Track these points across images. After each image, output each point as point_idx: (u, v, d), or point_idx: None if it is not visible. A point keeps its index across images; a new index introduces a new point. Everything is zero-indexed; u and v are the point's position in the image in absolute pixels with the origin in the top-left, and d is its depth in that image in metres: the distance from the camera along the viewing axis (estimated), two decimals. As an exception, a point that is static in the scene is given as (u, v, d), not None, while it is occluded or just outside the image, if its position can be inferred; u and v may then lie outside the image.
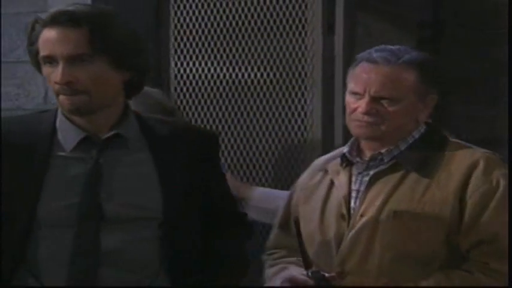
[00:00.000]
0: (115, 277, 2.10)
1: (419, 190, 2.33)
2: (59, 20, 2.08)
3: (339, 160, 2.46)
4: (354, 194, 2.40)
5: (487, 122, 4.16)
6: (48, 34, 2.09)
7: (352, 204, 2.39)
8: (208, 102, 3.93)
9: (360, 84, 2.37)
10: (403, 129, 2.40)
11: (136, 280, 2.12)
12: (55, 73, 2.08)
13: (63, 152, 2.13)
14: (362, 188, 2.40)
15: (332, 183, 2.45)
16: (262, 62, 3.81)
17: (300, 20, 3.70)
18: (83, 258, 2.09)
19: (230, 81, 3.89)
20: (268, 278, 2.49)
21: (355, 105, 2.37)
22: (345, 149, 2.45)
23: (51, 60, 2.09)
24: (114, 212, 2.10)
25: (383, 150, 2.39)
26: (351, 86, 2.40)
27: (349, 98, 2.41)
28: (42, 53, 2.10)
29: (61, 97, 2.10)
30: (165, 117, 2.29)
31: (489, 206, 2.30)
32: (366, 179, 2.40)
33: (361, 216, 2.36)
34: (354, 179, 2.42)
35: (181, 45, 3.95)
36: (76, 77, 2.08)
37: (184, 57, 3.95)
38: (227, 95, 3.90)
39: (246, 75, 3.85)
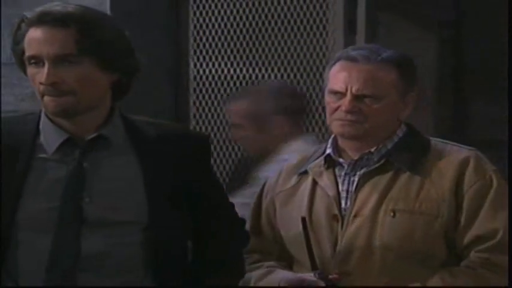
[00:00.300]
0: (97, 282, 2.06)
1: (414, 189, 2.33)
2: (46, 19, 2.03)
3: (320, 161, 2.43)
4: (343, 195, 2.38)
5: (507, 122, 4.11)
6: (34, 34, 2.03)
7: (343, 204, 2.38)
8: (228, 103, 3.90)
9: (341, 82, 2.35)
10: (385, 128, 2.39)
11: (119, 284, 2.08)
12: (40, 73, 2.03)
13: (45, 154, 2.08)
14: (351, 188, 2.38)
15: (315, 185, 2.42)
16: (282, 62, 3.79)
17: (321, 20, 3.68)
18: (62, 261, 2.04)
19: (250, 82, 3.86)
20: (253, 282, 2.44)
21: (336, 104, 2.35)
22: (327, 150, 2.42)
23: (36, 60, 2.03)
24: (97, 216, 2.05)
25: (372, 149, 2.38)
26: (331, 85, 2.38)
27: (329, 98, 2.38)
28: (28, 53, 2.04)
29: (46, 98, 2.04)
30: (153, 119, 2.23)
31: (485, 201, 2.32)
32: (354, 178, 2.38)
33: (355, 216, 2.35)
34: (340, 179, 2.40)
35: (201, 45, 3.93)
36: (62, 77, 2.02)
37: (204, 57, 3.94)
38: (247, 96, 3.87)
39: (266, 75, 3.83)
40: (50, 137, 2.10)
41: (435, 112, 4.08)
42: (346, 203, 2.37)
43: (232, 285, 2.24)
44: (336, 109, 2.35)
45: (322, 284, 2.28)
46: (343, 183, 2.39)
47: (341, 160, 2.40)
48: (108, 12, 3.63)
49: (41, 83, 2.04)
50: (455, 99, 4.14)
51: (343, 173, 2.40)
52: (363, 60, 2.35)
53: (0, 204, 2.05)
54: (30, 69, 2.06)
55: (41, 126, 2.12)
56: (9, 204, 2.05)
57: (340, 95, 2.35)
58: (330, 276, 2.31)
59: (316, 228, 2.38)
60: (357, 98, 2.33)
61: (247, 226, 2.46)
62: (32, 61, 2.05)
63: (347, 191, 2.38)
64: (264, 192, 2.54)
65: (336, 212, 2.37)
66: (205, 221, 2.21)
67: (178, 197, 2.14)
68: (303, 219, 2.34)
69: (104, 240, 2.06)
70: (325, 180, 2.40)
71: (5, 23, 3.79)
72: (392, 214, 2.32)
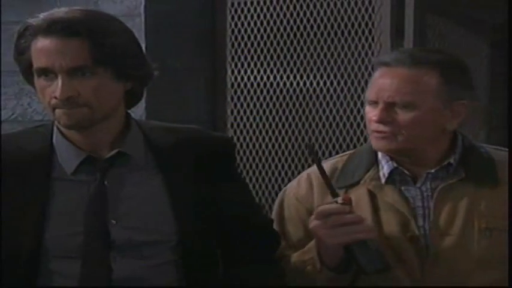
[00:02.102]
0: None
1: (502, 203, 2.22)
2: (55, 28, 1.94)
3: (373, 174, 2.30)
4: (419, 212, 2.26)
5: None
6: (43, 44, 1.94)
7: (420, 222, 2.25)
8: (267, 111, 3.80)
9: (374, 90, 2.24)
10: (431, 141, 2.26)
11: None
12: (52, 87, 1.95)
13: (64, 175, 2.02)
14: (427, 204, 2.26)
15: (373, 200, 2.28)
16: (325, 68, 3.68)
17: (366, 24, 3.56)
18: None
19: (291, 90, 3.75)
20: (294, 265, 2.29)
21: (371, 114, 2.25)
22: (388, 163, 2.29)
23: (47, 72, 1.96)
24: (125, 238, 2.00)
25: (451, 161, 2.26)
26: (367, 93, 2.28)
27: (367, 108, 2.28)
28: (37, 64, 1.96)
29: (58, 111, 1.97)
30: (171, 124, 2.17)
31: None
32: (428, 193, 2.26)
33: (442, 235, 2.23)
34: (409, 194, 2.27)
35: (239, 51, 3.83)
36: (77, 90, 1.95)
37: (242, 64, 3.83)
38: (287, 104, 3.77)
39: (307, 83, 3.72)
40: (66, 156, 2.03)
41: (486, 119, 3.97)
42: (424, 221, 2.25)
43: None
44: (371, 120, 2.24)
45: (347, 209, 2.12)
46: (415, 199, 2.26)
47: (407, 173, 2.28)
48: (143, 16, 3.58)
49: (55, 97, 1.95)
50: (509, 105, 4.00)
51: (411, 188, 2.28)
52: (398, 64, 2.22)
53: (22, 232, 1.97)
54: (40, 82, 1.97)
55: (54, 142, 2.04)
56: (33, 230, 1.98)
57: (375, 104, 2.23)
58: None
59: (392, 250, 2.24)
60: (389, 106, 2.21)
61: None
62: (42, 73, 1.96)
63: (423, 208, 2.26)
64: (284, 201, 2.40)
65: (416, 231, 2.23)
66: (232, 225, 2.16)
67: (204, 206, 2.08)
68: (310, 146, 2.27)
69: (134, 263, 2.01)
70: (392, 196, 2.27)
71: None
72: (488, 233, 2.21)
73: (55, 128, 2.06)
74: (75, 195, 2.01)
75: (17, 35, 2.00)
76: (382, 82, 2.22)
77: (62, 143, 2.04)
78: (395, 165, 2.28)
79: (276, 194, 3.77)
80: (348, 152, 2.44)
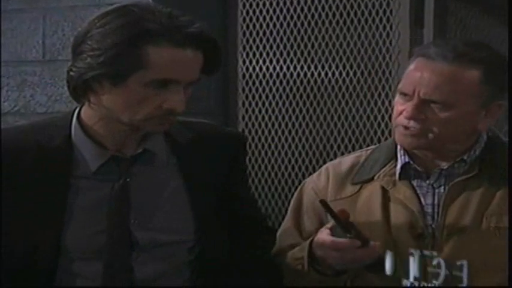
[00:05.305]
0: None
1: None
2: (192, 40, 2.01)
3: (389, 169, 2.29)
4: (428, 209, 2.24)
5: None
6: (181, 55, 1.97)
7: (428, 221, 2.23)
8: (280, 103, 3.79)
9: (410, 83, 2.18)
10: (460, 140, 2.23)
11: None
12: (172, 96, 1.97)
13: (85, 173, 2.03)
14: (437, 202, 2.23)
15: (385, 196, 2.27)
16: (340, 59, 3.65)
17: (384, 12, 3.54)
18: None
19: (304, 81, 3.73)
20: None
21: (402, 107, 2.19)
22: (402, 158, 2.27)
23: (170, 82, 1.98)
24: (146, 238, 2.03)
25: (465, 157, 2.23)
26: (401, 84, 2.22)
27: (397, 98, 2.23)
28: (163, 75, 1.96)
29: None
30: (185, 119, 2.16)
31: None
32: (440, 190, 2.24)
33: (448, 235, 2.20)
34: (421, 191, 2.25)
35: (250, 41, 3.81)
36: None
37: (254, 54, 3.81)
38: (301, 96, 3.75)
39: (322, 73, 3.70)
40: (88, 155, 2.03)
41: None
42: (433, 219, 2.22)
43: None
44: (401, 113, 2.20)
45: (358, 243, 2.10)
46: (425, 196, 2.24)
47: (420, 169, 2.26)
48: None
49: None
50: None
51: (424, 184, 2.25)
52: (440, 58, 2.16)
53: (42, 230, 1.98)
54: (155, 91, 1.96)
55: (73, 138, 2.04)
56: (52, 229, 1.98)
57: (408, 97, 2.18)
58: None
59: (398, 249, 2.22)
60: (423, 103, 2.16)
61: (287, 225, 2.39)
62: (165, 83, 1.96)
63: (433, 205, 2.23)
64: (304, 194, 2.41)
65: (423, 229, 2.22)
66: (232, 225, 2.18)
67: (219, 204, 2.12)
68: (323, 202, 2.15)
69: (156, 263, 2.03)
70: (403, 192, 2.25)
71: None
72: (497, 233, 2.18)
73: (74, 123, 2.05)
74: (97, 194, 2.02)
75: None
76: (420, 76, 2.17)
77: (84, 140, 2.04)
78: (407, 159, 2.27)
79: (288, 187, 3.77)
80: (373, 146, 2.43)
